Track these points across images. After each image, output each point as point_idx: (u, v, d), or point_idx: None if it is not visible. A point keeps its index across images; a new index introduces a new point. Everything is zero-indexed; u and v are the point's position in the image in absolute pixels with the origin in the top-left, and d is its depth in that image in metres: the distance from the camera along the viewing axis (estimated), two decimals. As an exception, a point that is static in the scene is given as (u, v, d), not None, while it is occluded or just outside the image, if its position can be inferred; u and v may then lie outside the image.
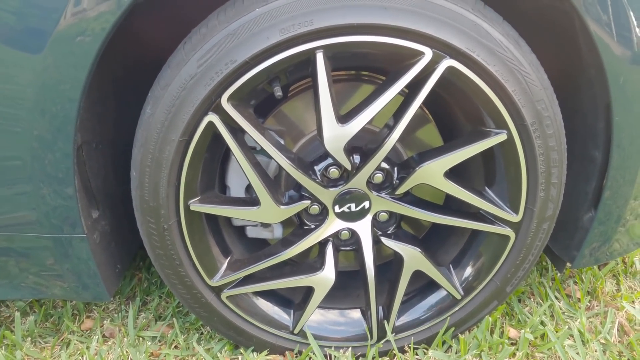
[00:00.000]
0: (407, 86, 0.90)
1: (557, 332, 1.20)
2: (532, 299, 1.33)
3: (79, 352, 1.18)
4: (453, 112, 1.06)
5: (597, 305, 1.31)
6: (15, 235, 0.99)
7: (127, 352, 1.16)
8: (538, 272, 1.44)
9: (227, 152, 1.05)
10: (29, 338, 1.23)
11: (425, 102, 1.13)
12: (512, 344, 1.18)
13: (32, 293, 1.09)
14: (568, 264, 1.19)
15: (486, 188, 1.05)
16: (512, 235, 1.03)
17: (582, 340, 1.17)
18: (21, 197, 0.94)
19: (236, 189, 1.11)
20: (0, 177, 0.92)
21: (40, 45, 0.82)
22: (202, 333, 1.23)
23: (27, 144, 0.89)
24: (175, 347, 1.20)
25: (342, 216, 1.04)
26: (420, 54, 0.86)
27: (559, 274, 1.41)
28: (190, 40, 0.87)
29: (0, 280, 1.06)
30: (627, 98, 0.93)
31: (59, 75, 0.84)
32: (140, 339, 1.22)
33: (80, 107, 0.87)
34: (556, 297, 1.33)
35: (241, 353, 1.14)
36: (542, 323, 1.23)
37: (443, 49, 0.86)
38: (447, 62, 0.86)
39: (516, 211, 1.01)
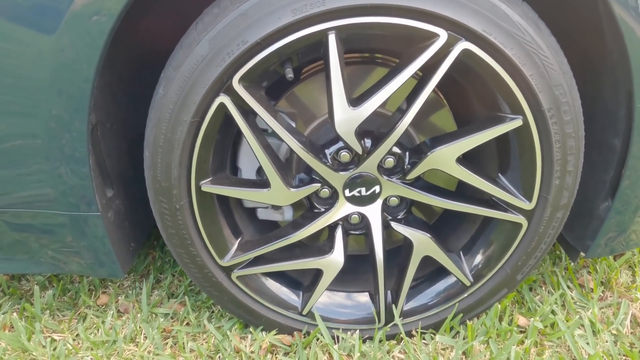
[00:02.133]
0: (420, 69, 0.88)
1: (567, 321, 1.19)
2: (543, 288, 1.32)
3: (94, 325, 1.22)
4: (468, 96, 1.04)
5: (610, 296, 1.29)
6: (35, 212, 1.01)
7: (140, 327, 1.20)
8: (551, 260, 1.42)
9: (239, 133, 1.06)
10: (48, 311, 1.27)
11: (440, 86, 1.12)
12: (521, 332, 1.17)
13: (50, 268, 1.12)
14: (582, 254, 1.17)
15: (499, 175, 1.03)
16: (525, 223, 1.02)
17: (593, 331, 1.16)
18: (40, 175, 0.96)
19: (247, 171, 1.11)
20: (21, 156, 0.94)
21: (55, 25, 0.83)
22: (213, 311, 1.26)
23: (45, 123, 0.91)
24: (187, 324, 1.23)
25: (352, 200, 1.04)
26: (434, 36, 0.84)
27: (572, 264, 1.39)
28: (202, 21, 0.87)
29: (21, 255, 1.10)
30: (651, 84, 0.90)
31: (73, 55, 0.85)
32: (153, 315, 1.25)
33: (94, 87, 0.88)
34: (568, 287, 1.31)
35: (250, 332, 1.17)
36: (552, 312, 1.22)
37: (458, 31, 0.83)
38: (463, 45, 0.84)
39: (529, 199, 0.99)
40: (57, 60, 0.85)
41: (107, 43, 0.85)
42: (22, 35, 0.83)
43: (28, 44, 0.84)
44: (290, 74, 0.91)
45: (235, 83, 0.87)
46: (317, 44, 0.86)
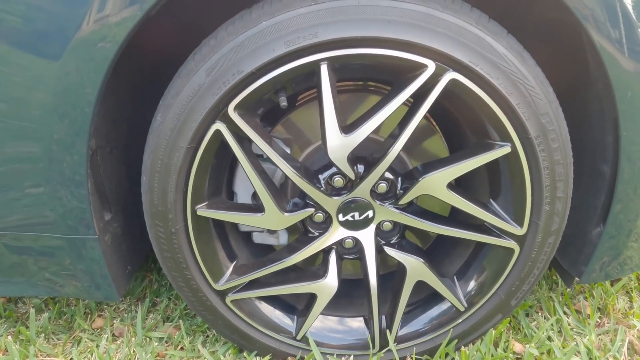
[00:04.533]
0: (411, 97, 0.91)
1: (564, 348, 1.18)
2: (540, 314, 1.31)
3: (88, 349, 1.22)
4: (458, 124, 1.06)
5: (607, 322, 1.29)
6: (34, 235, 1.03)
7: (134, 351, 1.20)
8: (547, 286, 1.42)
9: (235, 159, 1.08)
10: (43, 334, 1.27)
11: (432, 114, 1.15)
12: (517, 359, 1.16)
13: (47, 291, 1.13)
14: (577, 279, 1.17)
15: (491, 200, 1.05)
16: (517, 248, 1.03)
17: (590, 358, 1.15)
18: (40, 198, 0.98)
19: (243, 196, 1.13)
20: (23, 179, 0.96)
21: (60, 51, 0.86)
22: (207, 336, 1.26)
23: (47, 146, 0.93)
24: (181, 348, 1.23)
25: (346, 225, 1.05)
26: (423, 66, 0.87)
27: (568, 289, 1.39)
28: (200, 51, 0.90)
29: (18, 277, 1.11)
30: (635, 112, 0.92)
31: (76, 80, 0.88)
32: (148, 339, 1.25)
33: (95, 112, 0.91)
34: (565, 313, 1.30)
35: (244, 357, 1.16)
36: (549, 338, 1.21)
37: (446, 62, 0.86)
38: (450, 75, 0.87)
39: (521, 224, 1.01)
40: (61, 85, 0.88)
41: (110, 69, 0.88)
42: (27, 61, 0.86)
43: (34, 70, 0.87)
44: (284, 102, 0.94)
45: (231, 111, 0.90)
46: (310, 74, 0.89)
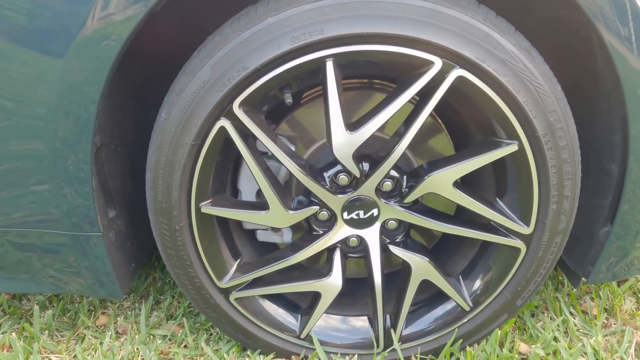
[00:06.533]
0: (417, 94, 0.90)
1: (570, 349, 1.17)
2: (546, 314, 1.30)
3: (92, 346, 1.22)
4: (464, 121, 1.06)
5: (614, 323, 1.27)
6: (38, 232, 1.03)
7: (137, 349, 1.19)
8: (553, 286, 1.41)
9: (239, 156, 1.07)
10: (47, 331, 1.27)
11: (437, 111, 1.14)
12: (522, 359, 1.15)
13: (51, 288, 1.13)
14: (583, 279, 1.16)
15: (497, 199, 1.04)
16: (523, 247, 1.02)
17: (597, 359, 1.14)
18: (44, 195, 0.98)
19: (247, 193, 1.13)
20: (27, 176, 0.96)
21: (64, 49, 0.86)
22: (211, 334, 1.25)
23: (52, 144, 0.93)
24: (185, 346, 1.23)
25: (351, 223, 1.04)
26: (429, 63, 0.86)
27: (574, 290, 1.37)
28: (205, 48, 0.90)
29: (23, 274, 1.11)
30: (645, 111, 0.91)
31: (80, 78, 0.87)
32: (151, 336, 1.25)
33: (99, 109, 0.91)
34: (571, 313, 1.29)
35: (248, 355, 1.16)
36: (555, 339, 1.20)
37: (453, 58, 0.86)
38: (457, 72, 0.86)
39: (527, 223, 1.00)
40: (66, 83, 0.88)
41: (114, 66, 0.88)
42: (32, 58, 0.86)
43: (38, 67, 0.87)
44: (289, 99, 0.93)
45: (236, 107, 0.89)
46: (316, 71, 0.88)
